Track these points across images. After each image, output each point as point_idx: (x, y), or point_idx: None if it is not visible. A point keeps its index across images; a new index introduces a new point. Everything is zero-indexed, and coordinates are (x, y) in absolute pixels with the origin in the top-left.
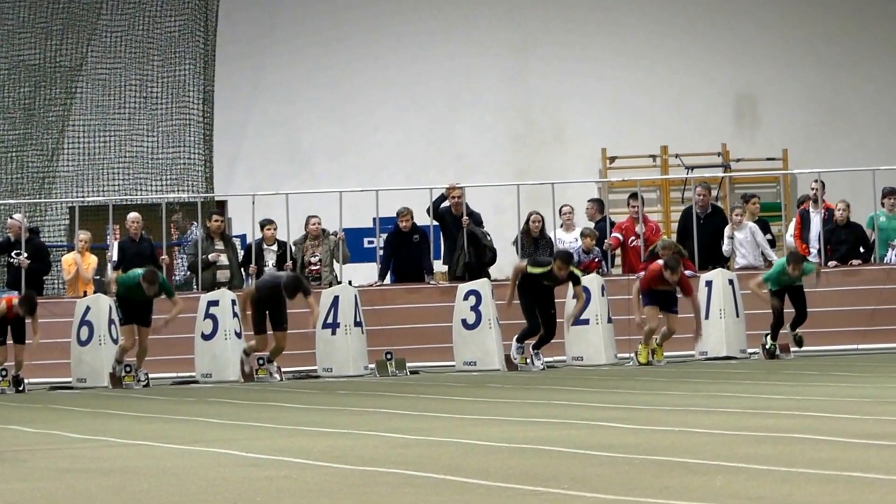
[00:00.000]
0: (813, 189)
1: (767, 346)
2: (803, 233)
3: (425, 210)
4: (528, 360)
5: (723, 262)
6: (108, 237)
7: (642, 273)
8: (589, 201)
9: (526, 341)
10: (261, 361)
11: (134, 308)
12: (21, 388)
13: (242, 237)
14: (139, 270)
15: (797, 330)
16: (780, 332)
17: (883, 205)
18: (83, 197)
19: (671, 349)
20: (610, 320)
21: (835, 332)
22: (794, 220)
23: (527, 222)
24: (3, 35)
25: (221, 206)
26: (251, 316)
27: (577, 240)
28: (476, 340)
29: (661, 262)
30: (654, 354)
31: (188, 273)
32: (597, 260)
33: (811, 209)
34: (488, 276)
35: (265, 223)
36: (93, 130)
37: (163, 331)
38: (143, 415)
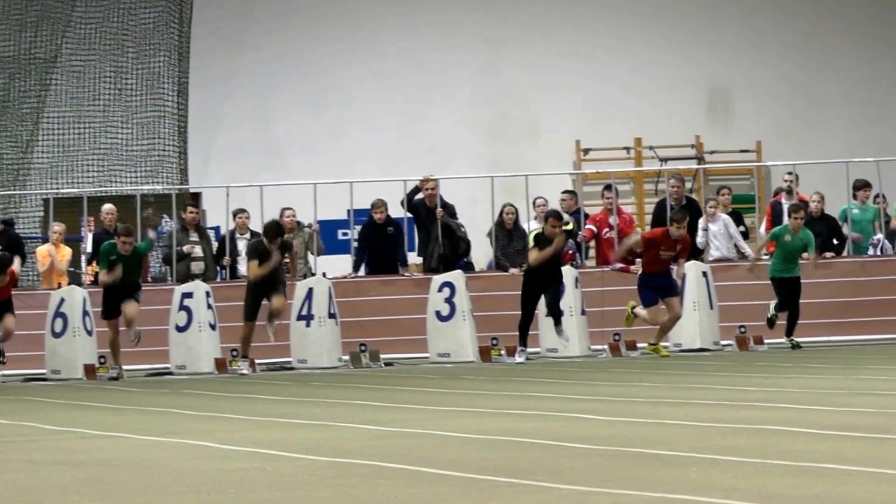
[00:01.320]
0: (786, 181)
1: (769, 315)
2: (774, 225)
3: (399, 202)
4: (503, 353)
5: (697, 254)
6: (83, 229)
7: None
8: (563, 192)
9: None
10: (234, 353)
11: (119, 291)
12: (3, 360)
13: (216, 229)
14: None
15: (794, 335)
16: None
17: (856, 197)
18: (58, 188)
19: (646, 340)
20: (584, 312)
21: (809, 324)
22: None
23: (500, 214)
24: None
25: (196, 198)
26: (245, 300)
27: None
28: (450, 332)
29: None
30: (657, 352)
31: (163, 266)
32: (570, 252)
33: (784, 201)
34: (464, 267)
35: (237, 212)
36: (67, 122)
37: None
38: (117, 406)
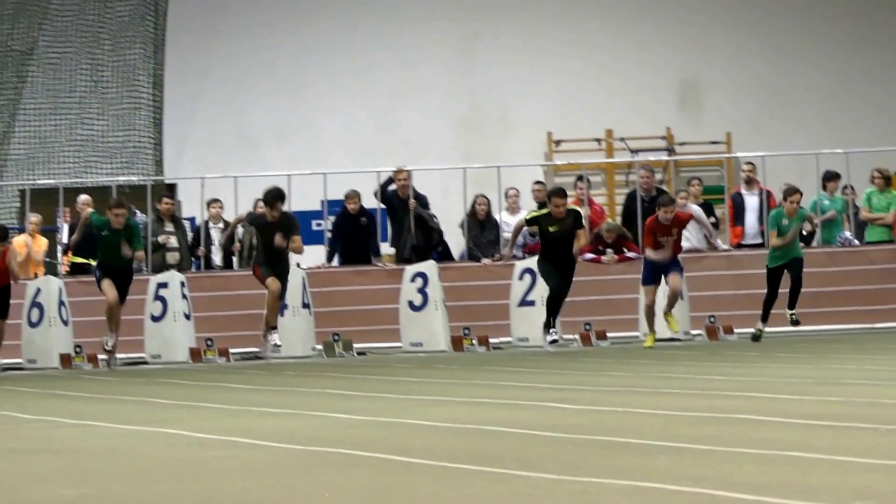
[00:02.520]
0: (745, 172)
1: (755, 330)
2: (737, 216)
3: (373, 193)
4: (475, 342)
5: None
6: (59, 220)
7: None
8: (535, 183)
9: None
10: (209, 343)
11: (112, 274)
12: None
13: (192, 220)
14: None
15: (795, 309)
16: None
17: (825, 188)
18: (34, 180)
19: (616, 330)
20: None
21: (777, 314)
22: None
23: (473, 205)
24: None
25: (171, 189)
26: (258, 272)
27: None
28: (422, 322)
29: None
30: (669, 325)
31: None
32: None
33: (744, 191)
34: (437, 257)
35: (211, 202)
36: (44, 114)
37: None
38: (92, 395)
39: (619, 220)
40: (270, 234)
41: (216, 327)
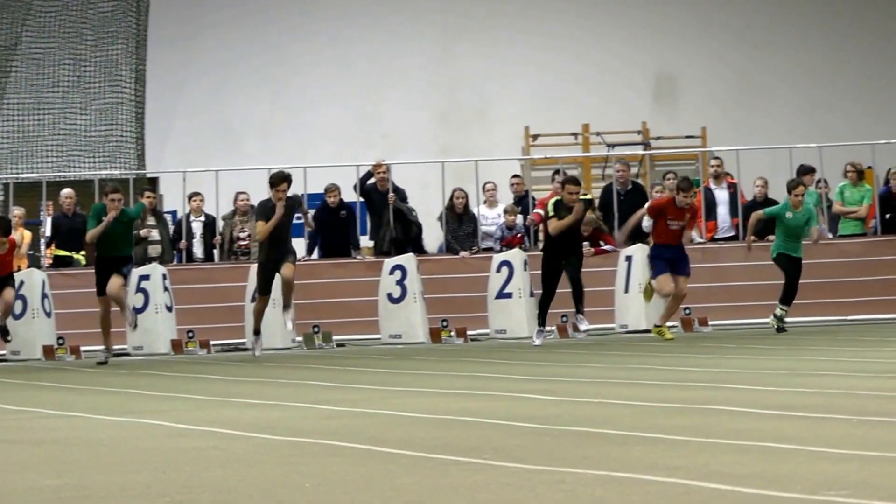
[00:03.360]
0: (713, 166)
1: (777, 315)
2: (708, 211)
3: (353, 186)
4: (452, 334)
5: (643, 237)
6: (42, 213)
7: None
8: (513, 176)
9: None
10: (190, 335)
11: (110, 264)
12: (8, 339)
13: (173, 213)
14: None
15: (789, 305)
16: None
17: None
18: (17, 173)
19: (592, 322)
20: (532, 294)
21: (751, 306)
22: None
23: (451, 198)
24: None
25: (153, 183)
26: (257, 276)
27: (500, 216)
28: (401, 314)
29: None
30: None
31: None
32: (519, 235)
33: (713, 186)
34: (415, 250)
35: (192, 195)
36: (27, 109)
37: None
38: (75, 387)
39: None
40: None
41: (197, 319)
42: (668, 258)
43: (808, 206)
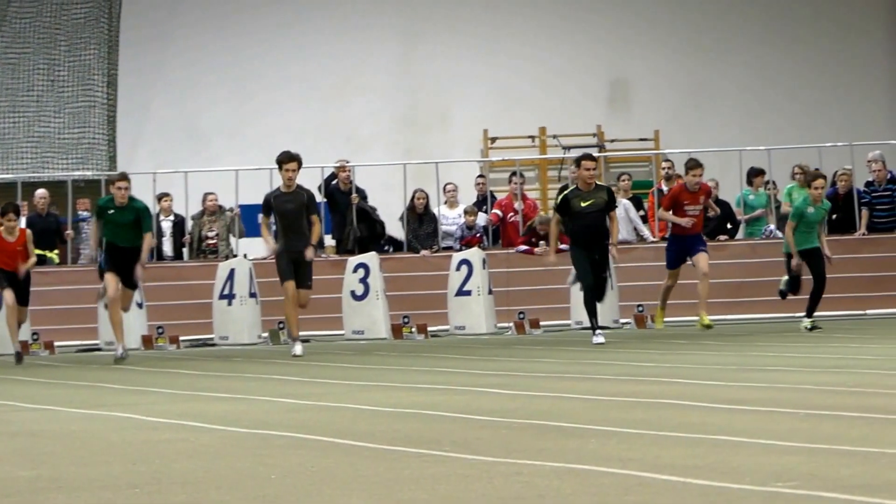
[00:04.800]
0: (664, 168)
1: (808, 326)
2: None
3: (317, 187)
4: (413, 330)
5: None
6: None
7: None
8: (479, 177)
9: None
10: (160, 331)
11: (119, 259)
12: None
13: None
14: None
15: (814, 316)
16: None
17: (751, 184)
18: None
19: (549, 319)
20: (490, 292)
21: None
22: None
23: (412, 199)
24: None
25: None
26: (277, 265)
27: (460, 216)
28: (364, 311)
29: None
30: (701, 320)
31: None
32: (478, 235)
33: (665, 188)
34: (377, 249)
35: (161, 196)
36: (2, 111)
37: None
38: (48, 381)
39: (550, 213)
40: (286, 205)
41: (167, 316)
42: (683, 249)
43: (826, 203)
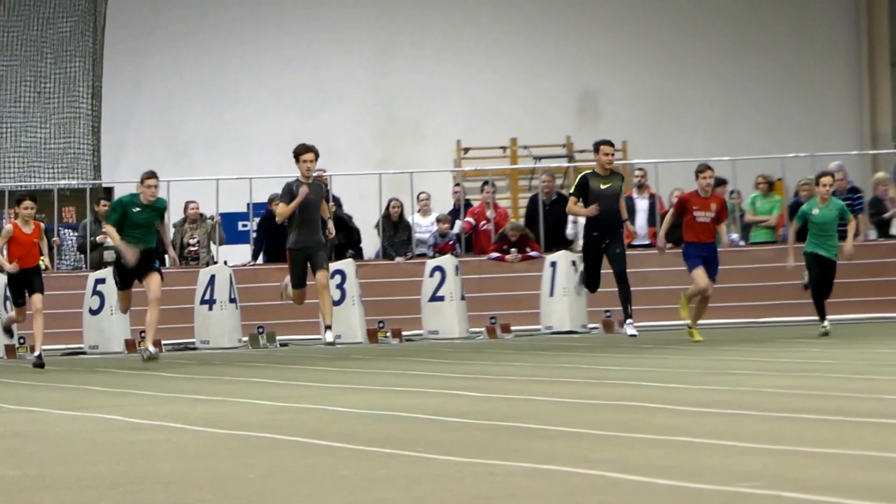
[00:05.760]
0: (637, 177)
1: (824, 329)
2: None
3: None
4: (388, 335)
5: (566, 244)
6: (4, 220)
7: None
8: (456, 185)
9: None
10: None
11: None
12: (40, 364)
13: None
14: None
15: (825, 317)
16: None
17: None
18: None
19: (519, 324)
20: (463, 297)
21: (666, 309)
22: None
23: (387, 207)
24: None
25: (108, 192)
26: (289, 265)
27: (433, 224)
28: (341, 316)
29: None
30: (690, 333)
31: (78, 254)
32: (451, 242)
33: (635, 195)
34: (354, 255)
35: None
36: None
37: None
38: (34, 383)
39: (522, 221)
40: (306, 195)
41: None
42: (702, 255)
43: (836, 201)
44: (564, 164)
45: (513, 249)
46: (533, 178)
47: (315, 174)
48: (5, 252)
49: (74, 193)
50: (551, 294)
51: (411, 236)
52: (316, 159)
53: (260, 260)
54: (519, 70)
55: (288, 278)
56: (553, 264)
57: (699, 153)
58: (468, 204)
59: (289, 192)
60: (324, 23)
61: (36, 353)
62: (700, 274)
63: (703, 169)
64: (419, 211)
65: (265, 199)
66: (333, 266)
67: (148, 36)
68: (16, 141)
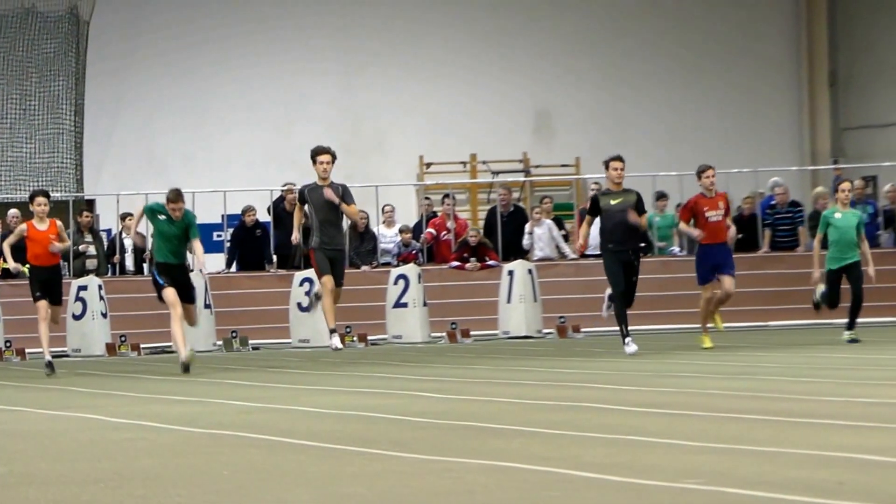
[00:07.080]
0: (592, 191)
1: (815, 300)
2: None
3: (266, 208)
4: (355, 339)
5: (523, 254)
6: None
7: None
8: (425, 199)
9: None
10: (123, 339)
11: (169, 271)
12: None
13: (108, 231)
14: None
15: (854, 329)
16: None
17: (655, 207)
18: None
19: (479, 329)
20: (425, 304)
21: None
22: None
23: None
24: None
25: (90, 204)
26: (315, 260)
27: (396, 235)
28: (309, 321)
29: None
30: (714, 321)
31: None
32: (413, 252)
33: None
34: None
35: (124, 216)
36: None
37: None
38: (19, 384)
39: (481, 232)
40: (322, 197)
41: (129, 325)
42: (714, 264)
43: (855, 211)
44: (521, 178)
45: (472, 259)
46: (491, 191)
47: (284, 187)
48: (17, 249)
49: (58, 205)
50: (508, 301)
51: (376, 246)
52: (333, 161)
53: (233, 268)
54: (478, 90)
55: (316, 287)
56: (510, 273)
57: (646, 168)
58: (433, 215)
59: (301, 197)
60: (293, 45)
61: (47, 359)
62: (708, 288)
63: (704, 169)
64: (384, 222)
65: (238, 211)
66: (302, 274)
67: (127, 57)
68: (2, 155)
